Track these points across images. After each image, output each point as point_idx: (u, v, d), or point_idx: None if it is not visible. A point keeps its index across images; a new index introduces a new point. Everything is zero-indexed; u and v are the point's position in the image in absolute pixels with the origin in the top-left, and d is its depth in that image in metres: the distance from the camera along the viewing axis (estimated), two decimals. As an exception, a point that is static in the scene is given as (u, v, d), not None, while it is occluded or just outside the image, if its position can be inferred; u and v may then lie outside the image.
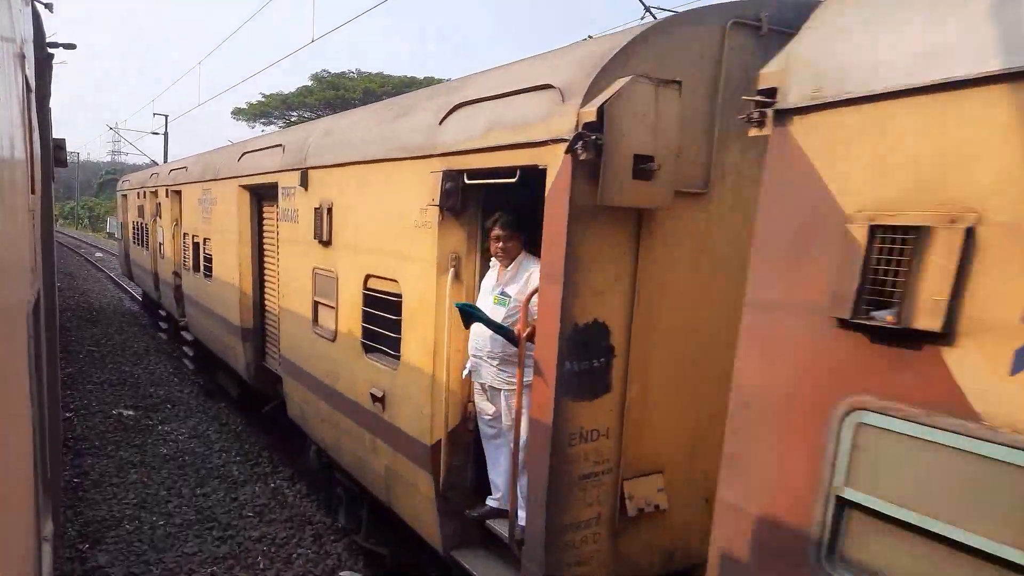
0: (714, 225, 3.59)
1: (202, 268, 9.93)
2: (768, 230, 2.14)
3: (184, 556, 6.09)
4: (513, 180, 3.48)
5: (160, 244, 13.26)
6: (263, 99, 48.88)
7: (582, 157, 2.98)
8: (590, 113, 2.98)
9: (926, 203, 1.71)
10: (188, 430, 9.44)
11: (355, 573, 5.96)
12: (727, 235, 3.61)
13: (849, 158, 1.90)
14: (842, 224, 1.87)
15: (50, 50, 4.49)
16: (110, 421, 9.60)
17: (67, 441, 8.66)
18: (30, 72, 2.97)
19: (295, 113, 47.74)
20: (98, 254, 36.65)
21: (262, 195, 7.73)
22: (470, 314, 3.75)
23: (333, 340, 5.61)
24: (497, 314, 3.90)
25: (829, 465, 1.92)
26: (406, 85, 41.04)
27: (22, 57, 2.54)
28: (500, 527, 4.08)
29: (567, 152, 3.05)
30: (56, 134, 4.62)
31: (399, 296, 4.58)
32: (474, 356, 4.09)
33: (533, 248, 3.82)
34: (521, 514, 3.75)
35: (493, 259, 4.12)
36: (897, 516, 1.77)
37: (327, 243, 5.62)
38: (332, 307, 5.61)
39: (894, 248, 1.76)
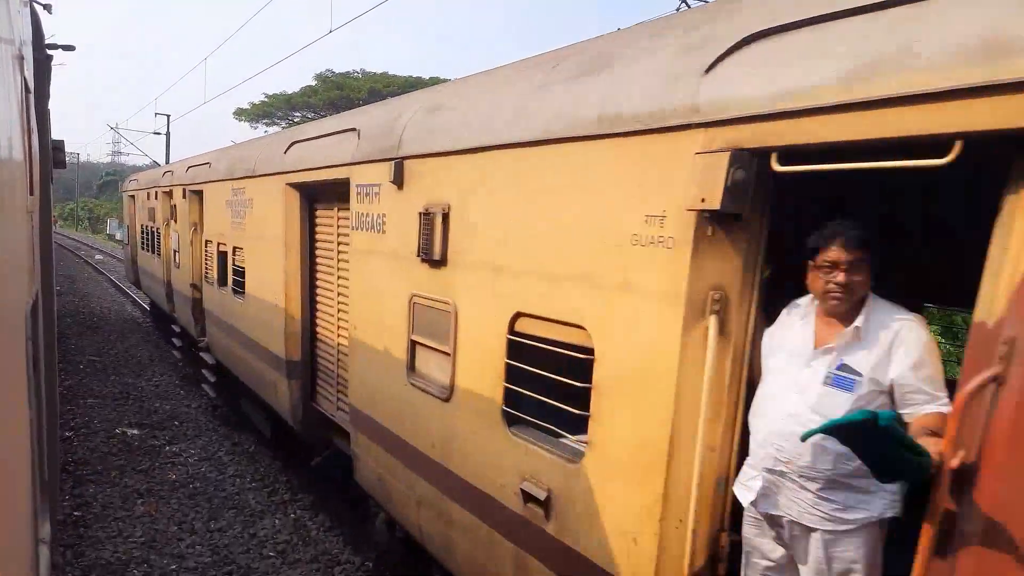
0: None
1: (230, 282, 8.36)
2: None
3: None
4: (942, 161, 1.80)
5: (175, 251, 11.68)
6: (266, 99, 48.38)
7: None
8: None
9: None
10: (198, 451, 8.69)
11: None
12: None
13: None
14: None
15: (49, 51, 4.39)
16: (113, 442, 8.80)
17: (67, 465, 7.89)
18: (29, 73, 2.97)
19: (299, 114, 47.25)
20: (98, 256, 35.96)
21: (316, 196, 6.24)
22: (855, 429, 1.90)
23: (446, 400, 3.96)
24: (829, 406, 2.27)
25: None
26: (411, 85, 40.45)
27: (20, 58, 2.56)
28: None
29: None
30: (55, 135, 4.49)
31: (588, 351, 2.95)
32: (770, 470, 2.42)
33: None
34: None
35: (800, 302, 2.54)
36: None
37: (439, 262, 3.98)
38: (445, 352, 3.96)
39: None
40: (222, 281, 8.84)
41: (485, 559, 3.77)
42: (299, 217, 6.32)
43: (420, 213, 4.11)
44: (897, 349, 2.23)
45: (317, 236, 6.33)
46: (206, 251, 9.79)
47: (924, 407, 2.20)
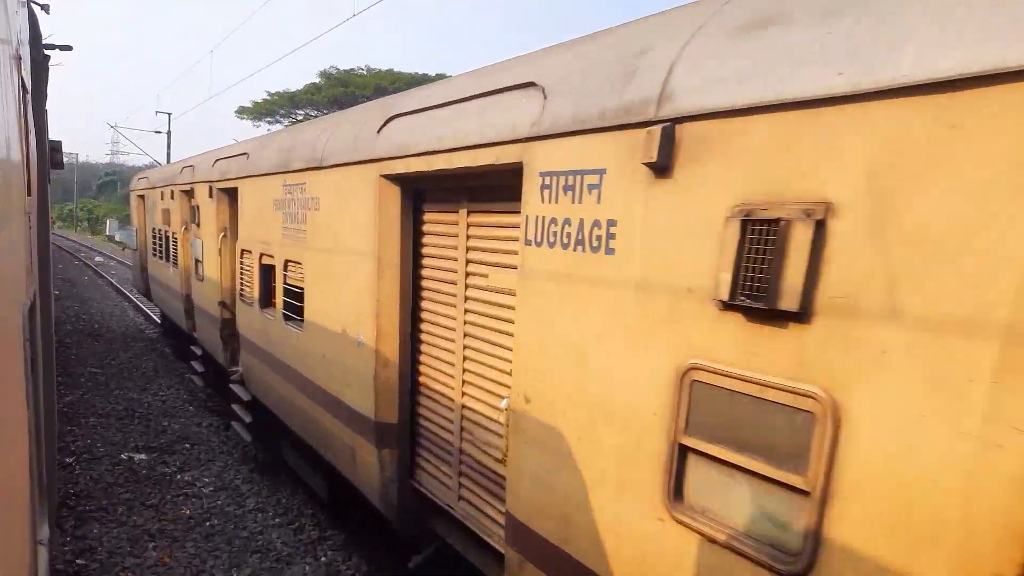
0: None
1: (279, 305, 6.83)
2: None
3: None
4: None
5: (197, 261, 10.20)
6: (268, 97, 47.57)
7: None
8: None
9: None
10: (212, 479, 7.89)
11: None
12: None
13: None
14: None
15: (46, 52, 4.38)
16: (119, 469, 8.01)
17: (68, 499, 7.11)
18: (26, 74, 3.07)
19: (302, 111, 46.45)
20: (98, 258, 35.16)
21: (426, 192, 4.76)
22: None
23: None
24: None
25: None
26: (418, 81, 39.84)
27: (18, 59, 2.65)
28: None
29: None
30: (53, 135, 4.48)
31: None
32: None
33: None
34: None
35: None
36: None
37: (790, 315, 2.21)
38: (788, 487, 2.27)
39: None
40: (266, 302, 7.42)
41: None
42: (399, 223, 4.80)
43: (728, 219, 2.42)
44: None
45: (424, 250, 4.83)
46: (242, 263, 8.26)
47: None
